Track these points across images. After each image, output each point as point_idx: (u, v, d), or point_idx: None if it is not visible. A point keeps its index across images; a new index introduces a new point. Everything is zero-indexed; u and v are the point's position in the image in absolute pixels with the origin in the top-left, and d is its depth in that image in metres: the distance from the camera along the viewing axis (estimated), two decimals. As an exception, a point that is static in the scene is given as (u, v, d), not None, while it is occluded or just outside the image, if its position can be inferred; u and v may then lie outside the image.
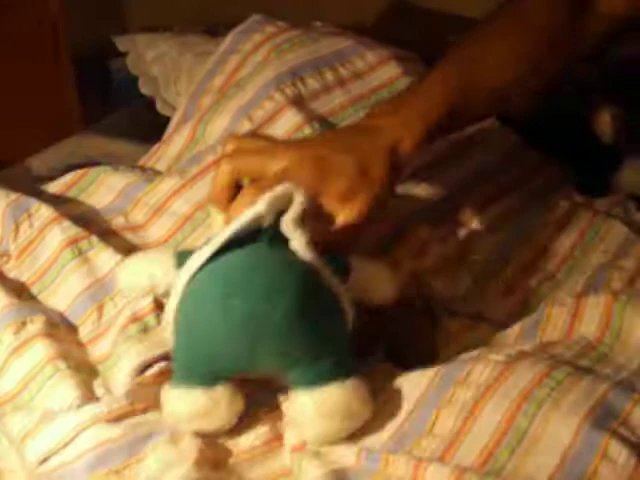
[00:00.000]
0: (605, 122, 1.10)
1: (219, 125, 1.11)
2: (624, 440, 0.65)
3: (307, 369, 0.71)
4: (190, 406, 0.71)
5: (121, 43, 1.47)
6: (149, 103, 1.37)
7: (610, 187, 1.15)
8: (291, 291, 0.70)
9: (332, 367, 0.71)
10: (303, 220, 0.75)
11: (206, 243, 0.76)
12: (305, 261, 0.73)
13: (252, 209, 0.74)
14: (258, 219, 0.74)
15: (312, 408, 0.70)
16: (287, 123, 1.06)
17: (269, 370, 0.72)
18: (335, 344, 0.73)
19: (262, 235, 0.74)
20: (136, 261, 0.82)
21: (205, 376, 0.72)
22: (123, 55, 1.46)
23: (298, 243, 0.73)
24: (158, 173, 1.10)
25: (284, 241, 0.74)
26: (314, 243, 0.74)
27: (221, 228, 0.82)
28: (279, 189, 0.76)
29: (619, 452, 0.64)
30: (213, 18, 1.60)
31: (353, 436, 0.71)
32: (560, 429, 0.66)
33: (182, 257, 0.78)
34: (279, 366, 0.72)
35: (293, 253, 0.73)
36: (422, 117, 0.83)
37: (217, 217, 0.84)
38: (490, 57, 0.90)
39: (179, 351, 0.74)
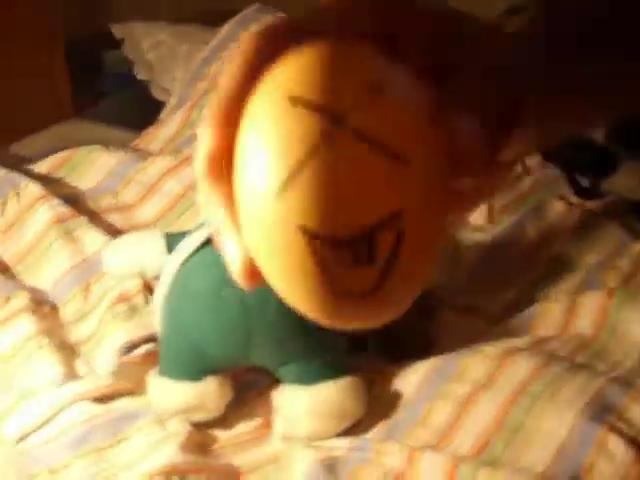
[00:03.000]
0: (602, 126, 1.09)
1: (214, 108, 1.10)
2: (622, 434, 0.64)
3: (301, 366, 0.69)
4: (178, 400, 0.69)
5: (118, 30, 1.45)
6: (141, 91, 1.35)
7: (605, 190, 1.14)
8: None
9: (327, 365, 0.69)
10: None
11: (198, 228, 0.73)
12: None
13: None
14: None
15: (305, 406, 0.68)
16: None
17: (262, 364, 0.70)
18: (330, 340, 0.70)
19: None
20: (125, 244, 0.79)
21: (194, 369, 0.69)
22: (116, 48, 1.44)
23: None
24: (150, 154, 1.08)
25: None
26: None
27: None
28: None
29: (617, 446, 0.63)
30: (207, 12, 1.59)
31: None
32: (556, 422, 0.65)
33: (173, 240, 0.75)
34: (273, 360, 0.70)
35: None
36: None
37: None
38: None
39: (167, 343, 0.71)
